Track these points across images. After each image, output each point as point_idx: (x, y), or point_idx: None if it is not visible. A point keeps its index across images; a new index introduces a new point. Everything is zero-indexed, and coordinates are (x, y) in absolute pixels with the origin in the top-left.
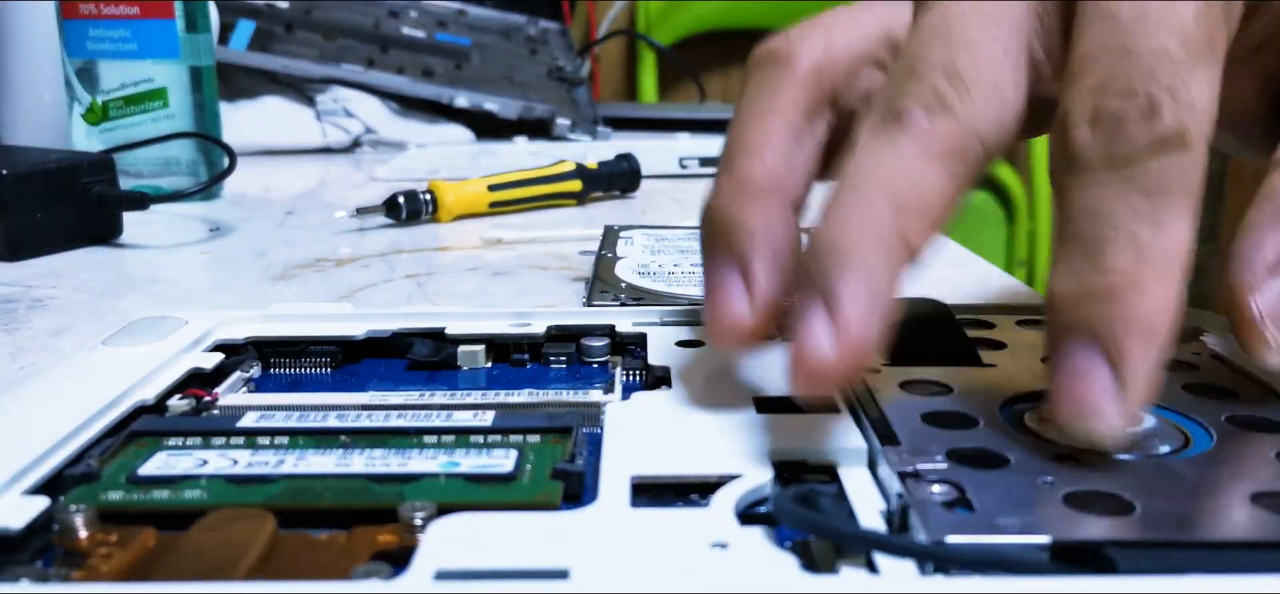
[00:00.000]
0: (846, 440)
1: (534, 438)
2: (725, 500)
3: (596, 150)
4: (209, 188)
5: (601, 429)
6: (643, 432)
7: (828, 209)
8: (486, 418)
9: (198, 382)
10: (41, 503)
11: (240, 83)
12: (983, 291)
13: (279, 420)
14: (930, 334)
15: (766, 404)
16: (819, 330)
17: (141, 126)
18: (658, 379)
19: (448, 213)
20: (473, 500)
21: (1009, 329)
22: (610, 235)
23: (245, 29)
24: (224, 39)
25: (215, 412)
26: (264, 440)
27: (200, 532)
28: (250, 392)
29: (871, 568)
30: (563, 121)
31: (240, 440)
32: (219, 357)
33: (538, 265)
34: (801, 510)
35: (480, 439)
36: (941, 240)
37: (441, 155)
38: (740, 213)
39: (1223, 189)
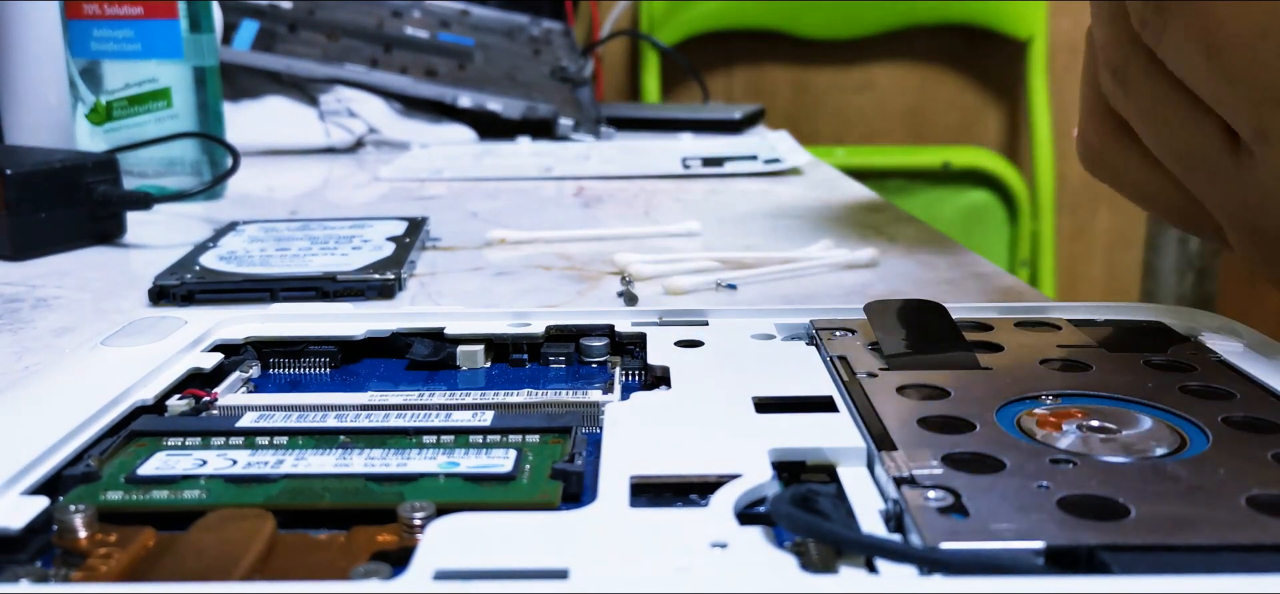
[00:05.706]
0: (845, 440)
1: (533, 438)
2: (724, 500)
3: (598, 151)
4: (212, 188)
5: (601, 429)
6: (642, 432)
7: None
8: (486, 418)
9: (197, 382)
10: (41, 503)
11: (243, 83)
12: (985, 292)
13: (278, 420)
14: (928, 337)
15: (766, 404)
16: None
17: (145, 127)
18: (657, 379)
19: None
20: (472, 500)
21: (1007, 331)
22: (223, 229)
23: (249, 29)
24: (227, 39)
25: (214, 412)
26: (263, 440)
27: (199, 532)
28: (249, 392)
29: (871, 568)
30: (566, 122)
31: (239, 440)
32: (218, 357)
33: (541, 265)
34: (799, 514)
35: (479, 439)
36: (944, 240)
37: (444, 155)
38: None
39: None
